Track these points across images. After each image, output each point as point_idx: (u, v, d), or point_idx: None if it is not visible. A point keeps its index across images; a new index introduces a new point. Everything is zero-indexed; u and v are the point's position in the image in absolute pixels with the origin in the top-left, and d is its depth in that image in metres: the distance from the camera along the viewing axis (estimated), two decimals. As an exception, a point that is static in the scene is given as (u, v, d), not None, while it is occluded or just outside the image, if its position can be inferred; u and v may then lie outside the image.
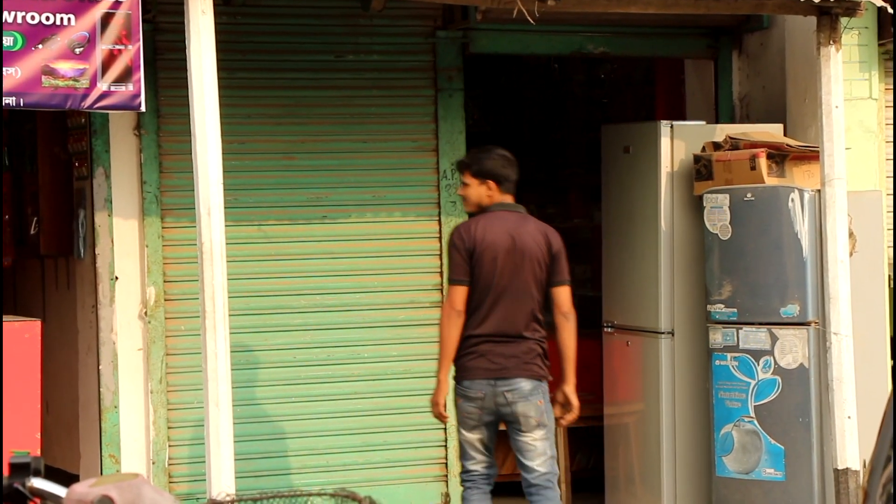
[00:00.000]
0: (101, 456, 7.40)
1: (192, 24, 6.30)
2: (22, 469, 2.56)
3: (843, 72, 7.36)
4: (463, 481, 6.62)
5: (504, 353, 6.42)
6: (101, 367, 7.40)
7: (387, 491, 7.72)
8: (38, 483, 2.57)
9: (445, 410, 6.54)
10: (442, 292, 7.95)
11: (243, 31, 7.56)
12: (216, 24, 6.36)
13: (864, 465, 7.22)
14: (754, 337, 7.44)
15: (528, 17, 6.56)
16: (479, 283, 6.43)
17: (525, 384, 6.41)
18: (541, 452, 6.52)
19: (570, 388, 6.53)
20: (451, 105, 7.95)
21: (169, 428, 7.44)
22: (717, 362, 7.61)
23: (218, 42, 6.37)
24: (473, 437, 6.50)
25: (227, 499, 2.44)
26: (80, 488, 2.47)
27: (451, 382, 6.55)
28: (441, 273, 7.94)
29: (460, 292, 6.45)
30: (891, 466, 2.22)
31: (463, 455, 6.58)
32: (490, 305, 6.43)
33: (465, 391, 6.47)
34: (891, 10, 7.51)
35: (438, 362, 6.55)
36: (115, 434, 7.38)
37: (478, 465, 6.54)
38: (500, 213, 6.54)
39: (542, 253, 6.46)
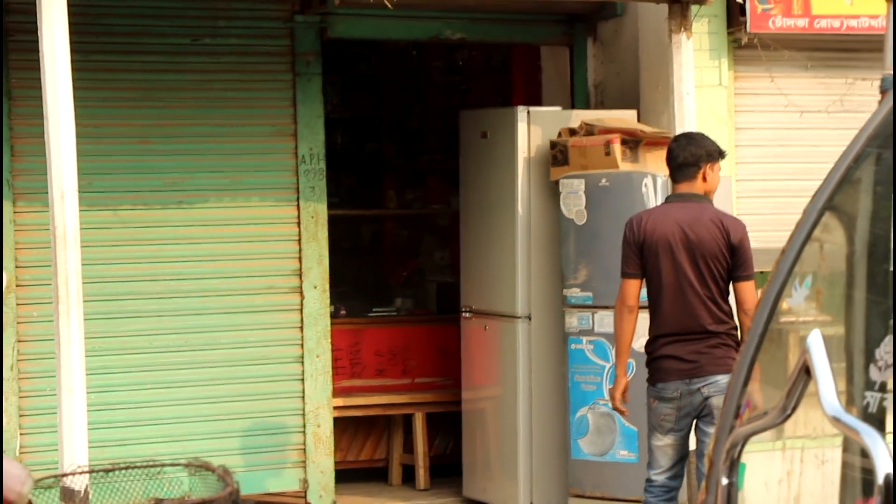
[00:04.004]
0: (-50, 445, 7.25)
1: (44, 4, 6.20)
2: None
3: (694, 59, 7.50)
4: (645, 490, 6.31)
5: (695, 351, 6.15)
6: (-50, 355, 7.25)
7: (246, 477, 7.67)
8: None
9: (623, 404, 6.31)
10: (300, 277, 7.95)
11: (97, 12, 7.46)
12: (69, 4, 6.26)
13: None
14: (609, 321, 7.53)
15: (386, 2, 6.57)
16: (652, 279, 6.19)
17: (722, 379, 6.08)
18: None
19: None
20: (309, 90, 7.93)
21: (20, 416, 7.31)
22: (573, 346, 7.71)
23: (71, 24, 6.28)
24: (665, 441, 6.22)
25: (80, 470, 2.42)
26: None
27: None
28: (300, 259, 7.94)
29: (629, 286, 6.20)
30: (735, 432, 2.28)
31: (650, 463, 6.30)
32: (668, 302, 6.17)
33: (659, 392, 6.21)
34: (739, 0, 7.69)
35: (615, 357, 6.35)
36: (-34, 424, 7.23)
37: (661, 474, 6.24)
38: (675, 203, 6.26)
39: (718, 245, 6.13)
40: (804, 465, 2.63)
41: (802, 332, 2.21)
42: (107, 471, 2.41)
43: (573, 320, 7.69)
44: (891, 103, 2.29)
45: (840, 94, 8.39)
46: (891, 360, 2.24)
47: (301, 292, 7.93)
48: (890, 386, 2.27)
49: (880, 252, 2.35)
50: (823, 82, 8.42)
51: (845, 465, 2.46)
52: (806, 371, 2.10)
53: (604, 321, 7.55)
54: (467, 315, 8.29)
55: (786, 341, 2.51)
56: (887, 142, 2.28)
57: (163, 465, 2.46)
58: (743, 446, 2.31)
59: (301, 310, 7.93)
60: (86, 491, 2.42)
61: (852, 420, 2.05)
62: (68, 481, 2.49)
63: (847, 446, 2.36)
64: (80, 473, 2.48)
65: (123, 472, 2.44)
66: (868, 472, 2.17)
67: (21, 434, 7.32)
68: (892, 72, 3.03)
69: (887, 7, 3.20)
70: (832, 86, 8.42)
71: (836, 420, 2.06)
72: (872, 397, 2.25)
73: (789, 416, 2.16)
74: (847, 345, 2.37)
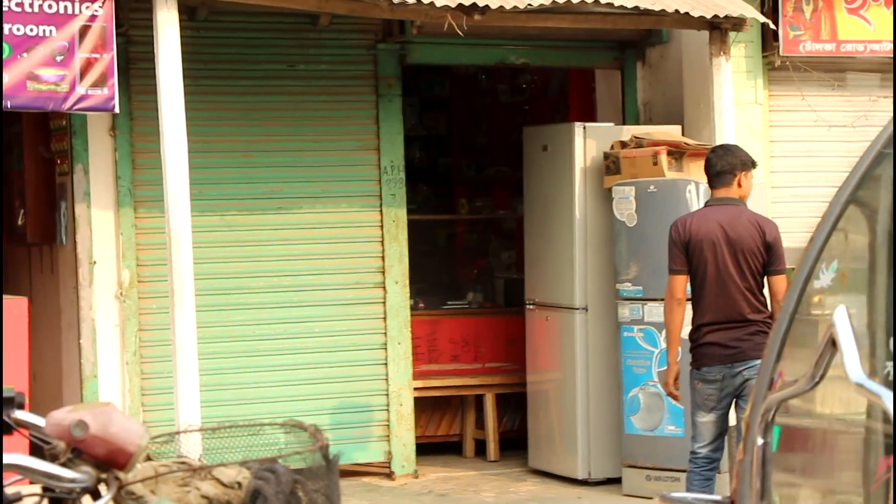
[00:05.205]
0: (81, 421, 7.36)
1: (160, 36, 6.31)
2: (7, 402, 2.56)
3: (733, 80, 7.48)
4: (689, 461, 6.33)
5: (736, 338, 6.14)
6: (81, 342, 7.38)
7: (336, 449, 7.73)
8: (21, 415, 2.57)
9: (677, 390, 6.31)
10: (383, 274, 8.00)
11: (206, 43, 7.56)
12: (182, 37, 6.37)
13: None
14: (657, 311, 7.52)
15: (457, 30, 6.62)
16: (697, 274, 6.19)
17: (760, 362, 6.08)
18: None
19: None
20: (390, 109, 7.99)
21: (142, 395, 7.42)
22: (626, 334, 7.70)
23: (183, 53, 6.39)
24: (708, 418, 6.22)
25: (192, 428, 2.49)
26: (57, 414, 2.49)
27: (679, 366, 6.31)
28: (383, 258, 8.00)
29: (677, 281, 6.20)
30: (769, 398, 2.29)
31: (694, 437, 6.32)
32: (711, 294, 6.15)
33: (703, 375, 6.20)
34: (773, 26, 7.66)
35: (667, 346, 6.38)
36: (95, 400, 7.35)
37: (705, 447, 6.24)
38: (715, 206, 6.26)
39: (755, 242, 6.15)
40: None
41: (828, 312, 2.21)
42: (213, 429, 2.49)
43: (625, 311, 7.68)
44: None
45: (864, 110, 8.33)
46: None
47: (384, 287, 7.98)
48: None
49: (899, 240, 2.35)
50: (849, 100, 8.36)
51: (868, 430, 2.45)
52: (832, 343, 2.11)
53: (652, 312, 7.54)
54: (531, 307, 8.30)
55: (814, 325, 2.52)
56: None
57: (262, 425, 2.54)
58: (776, 410, 2.31)
59: (384, 303, 7.99)
60: (198, 447, 2.52)
61: (875, 386, 2.04)
62: (181, 437, 2.58)
63: (870, 412, 2.36)
64: (191, 431, 2.57)
65: (228, 429, 2.51)
66: (889, 436, 2.17)
67: (143, 411, 7.43)
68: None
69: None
70: (857, 102, 8.36)
71: (860, 386, 2.06)
72: (893, 367, 2.25)
73: (817, 383, 2.17)
74: (869, 321, 2.37)
